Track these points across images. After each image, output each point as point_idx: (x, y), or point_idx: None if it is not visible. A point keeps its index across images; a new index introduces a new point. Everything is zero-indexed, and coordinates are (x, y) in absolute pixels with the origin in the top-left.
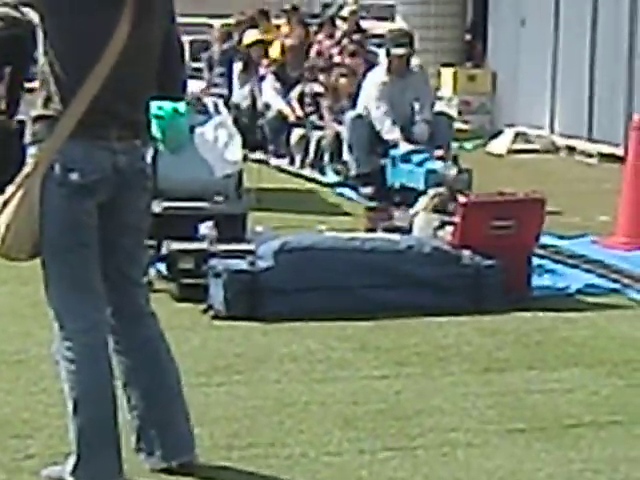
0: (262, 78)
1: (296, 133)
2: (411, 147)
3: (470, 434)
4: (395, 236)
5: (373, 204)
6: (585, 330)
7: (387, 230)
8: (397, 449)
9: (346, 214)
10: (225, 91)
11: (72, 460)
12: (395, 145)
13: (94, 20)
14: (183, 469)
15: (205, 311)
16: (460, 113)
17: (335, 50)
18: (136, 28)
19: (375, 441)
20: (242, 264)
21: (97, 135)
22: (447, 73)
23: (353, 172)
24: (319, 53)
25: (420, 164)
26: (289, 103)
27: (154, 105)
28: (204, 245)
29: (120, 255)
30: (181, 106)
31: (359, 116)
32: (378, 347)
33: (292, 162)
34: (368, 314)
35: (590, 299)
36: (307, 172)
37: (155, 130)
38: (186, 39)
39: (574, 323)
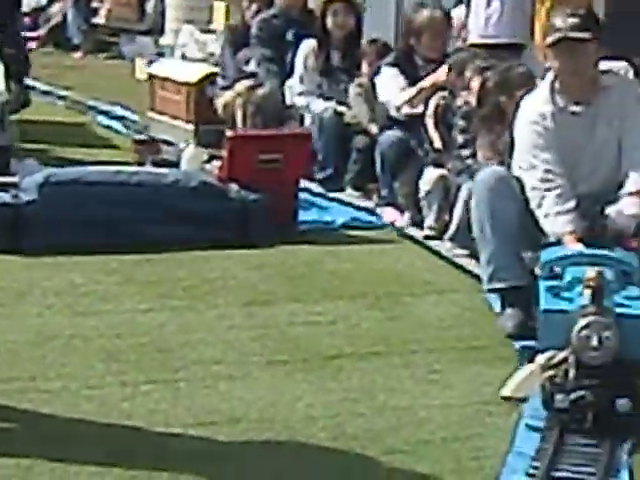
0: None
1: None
2: (581, 248)
3: (232, 366)
4: (162, 170)
5: (142, 137)
6: (349, 263)
7: (155, 163)
8: (159, 382)
9: (114, 147)
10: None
11: None
12: (558, 242)
13: None
14: None
15: None
16: None
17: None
18: None
19: (137, 374)
20: (5, 197)
21: None
22: None
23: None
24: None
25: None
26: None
27: None
28: None
29: None
30: None
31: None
32: (144, 281)
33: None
34: (135, 248)
35: (354, 233)
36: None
37: None
38: None
39: (338, 256)
